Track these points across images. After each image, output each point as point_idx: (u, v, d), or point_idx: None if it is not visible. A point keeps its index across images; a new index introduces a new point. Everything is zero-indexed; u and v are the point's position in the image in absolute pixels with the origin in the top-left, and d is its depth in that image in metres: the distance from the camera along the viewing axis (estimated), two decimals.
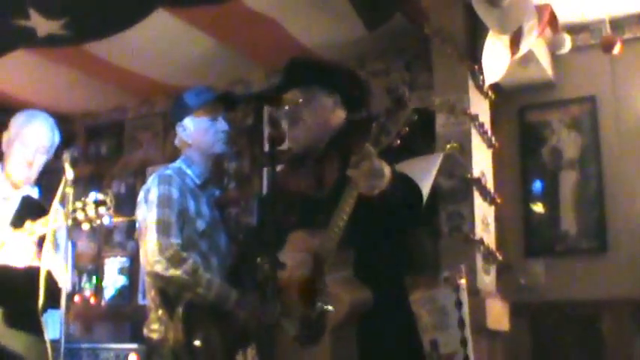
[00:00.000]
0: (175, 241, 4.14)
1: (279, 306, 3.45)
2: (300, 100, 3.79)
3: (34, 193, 4.85)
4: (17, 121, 4.79)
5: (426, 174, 4.99)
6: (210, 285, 4.10)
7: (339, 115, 3.86)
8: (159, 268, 4.08)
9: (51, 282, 4.13)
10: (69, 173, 3.89)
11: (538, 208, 6.46)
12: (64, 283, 3.91)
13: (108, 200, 4.19)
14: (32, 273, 4.15)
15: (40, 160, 4.76)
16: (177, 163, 4.49)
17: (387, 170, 3.33)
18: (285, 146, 4.02)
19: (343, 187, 3.40)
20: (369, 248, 3.43)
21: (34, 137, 4.71)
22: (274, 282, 3.48)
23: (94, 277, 7.93)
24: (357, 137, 3.57)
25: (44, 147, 4.75)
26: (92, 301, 7.88)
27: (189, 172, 4.43)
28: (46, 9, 5.67)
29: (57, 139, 4.85)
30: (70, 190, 3.90)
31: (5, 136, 4.79)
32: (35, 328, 4.37)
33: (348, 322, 3.37)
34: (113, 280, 7.85)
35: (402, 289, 3.74)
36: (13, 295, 4.32)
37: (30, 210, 4.69)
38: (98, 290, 7.93)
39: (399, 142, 3.31)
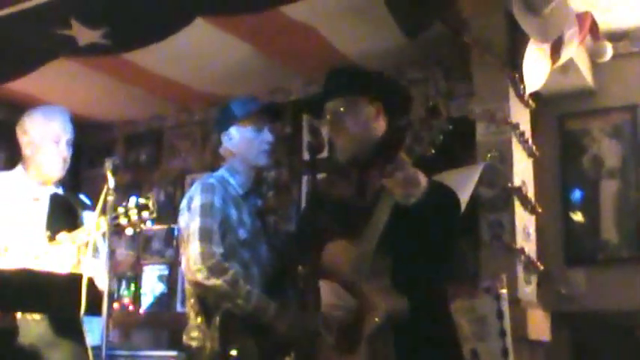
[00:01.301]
0: (217, 249, 4.14)
1: (319, 314, 3.48)
2: (343, 109, 3.79)
3: (59, 189, 4.86)
4: (37, 120, 4.75)
5: (465, 184, 4.98)
6: (250, 297, 4.10)
7: (382, 124, 3.85)
8: (200, 277, 4.09)
9: (93, 288, 4.14)
10: (110, 181, 3.91)
11: (578, 217, 6.42)
12: (104, 287, 3.89)
13: (150, 204, 4.21)
14: (74, 279, 4.15)
15: (70, 154, 4.77)
16: (221, 172, 4.50)
17: (422, 179, 3.32)
18: (324, 154, 4.03)
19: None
20: (406, 257, 3.42)
21: (63, 132, 4.71)
22: (315, 290, 3.49)
23: (133, 285, 7.95)
24: (400, 145, 3.58)
25: (71, 140, 4.77)
26: (130, 308, 7.91)
27: (232, 181, 4.44)
28: (87, 18, 5.73)
29: (73, 129, 4.86)
30: (111, 198, 3.92)
31: (25, 137, 4.77)
32: (77, 335, 4.39)
33: (385, 331, 3.37)
34: (151, 287, 7.87)
35: (442, 297, 3.73)
36: (55, 302, 4.34)
37: (61, 208, 4.71)
38: (136, 298, 7.95)
39: (433, 151, 3.30)
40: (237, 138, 4.47)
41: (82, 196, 4.89)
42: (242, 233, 4.32)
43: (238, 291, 4.07)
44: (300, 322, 3.82)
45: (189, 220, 4.25)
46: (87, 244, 4.28)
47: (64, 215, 4.65)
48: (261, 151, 4.47)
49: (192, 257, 4.13)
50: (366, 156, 3.76)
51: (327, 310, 3.53)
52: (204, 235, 4.16)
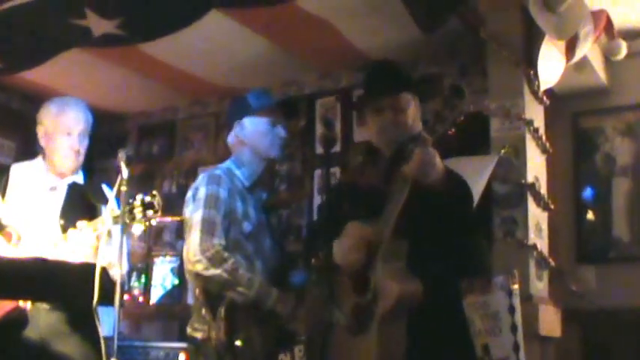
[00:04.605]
0: (218, 241, 4.15)
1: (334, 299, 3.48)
2: (406, 105, 3.80)
3: (80, 178, 4.87)
4: (51, 112, 4.79)
5: (478, 175, 4.99)
6: (251, 284, 4.12)
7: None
8: (199, 268, 4.11)
9: (106, 279, 4.15)
10: (124, 172, 3.92)
11: (590, 214, 6.41)
12: (118, 277, 3.89)
13: (155, 202, 4.21)
14: (86, 269, 4.15)
15: (85, 145, 4.79)
16: (227, 164, 4.52)
17: (438, 161, 3.37)
18: (337, 148, 4.03)
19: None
20: (422, 241, 3.43)
21: (75, 124, 4.74)
22: (329, 282, 3.50)
23: (143, 276, 7.95)
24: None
25: (85, 131, 4.79)
26: (140, 299, 7.91)
27: (238, 173, 4.46)
28: (102, 9, 5.72)
29: (90, 119, 4.87)
30: (124, 188, 3.94)
31: (41, 129, 4.80)
32: (89, 326, 4.39)
33: (397, 312, 3.38)
34: (162, 279, 7.87)
35: (455, 288, 3.75)
36: (68, 291, 4.34)
37: (78, 198, 4.73)
38: (146, 289, 7.95)
39: (453, 130, 3.33)
40: (250, 129, 4.49)
41: (105, 186, 4.89)
42: (247, 226, 4.34)
43: (239, 279, 4.10)
44: (312, 312, 3.83)
45: (193, 211, 4.28)
46: (104, 234, 4.29)
47: (80, 205, 4.66)
48: (274, 144, 4.49)
49: (191, 248, 4.16)
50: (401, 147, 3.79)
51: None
52: (206, 227, 4.18)
